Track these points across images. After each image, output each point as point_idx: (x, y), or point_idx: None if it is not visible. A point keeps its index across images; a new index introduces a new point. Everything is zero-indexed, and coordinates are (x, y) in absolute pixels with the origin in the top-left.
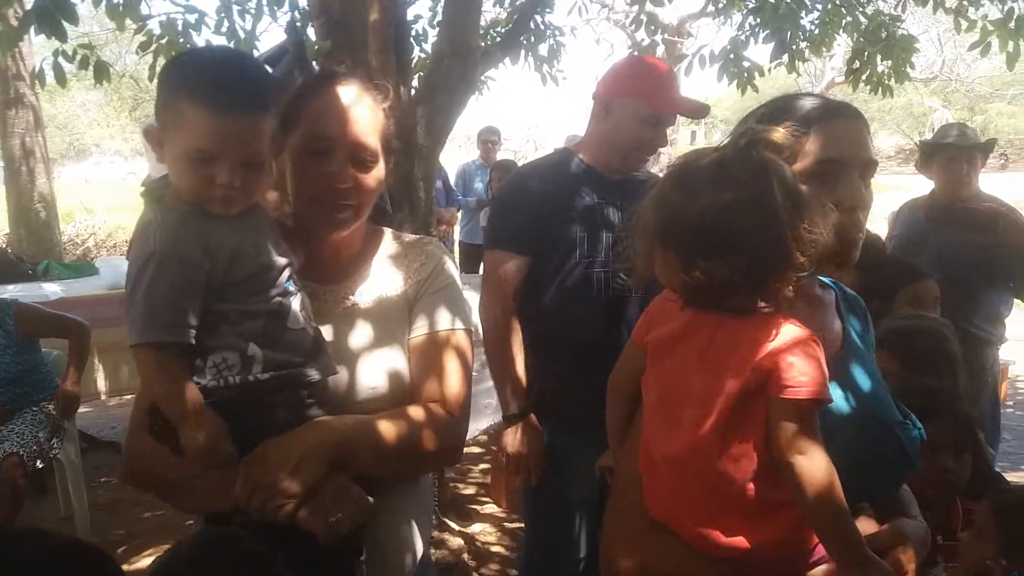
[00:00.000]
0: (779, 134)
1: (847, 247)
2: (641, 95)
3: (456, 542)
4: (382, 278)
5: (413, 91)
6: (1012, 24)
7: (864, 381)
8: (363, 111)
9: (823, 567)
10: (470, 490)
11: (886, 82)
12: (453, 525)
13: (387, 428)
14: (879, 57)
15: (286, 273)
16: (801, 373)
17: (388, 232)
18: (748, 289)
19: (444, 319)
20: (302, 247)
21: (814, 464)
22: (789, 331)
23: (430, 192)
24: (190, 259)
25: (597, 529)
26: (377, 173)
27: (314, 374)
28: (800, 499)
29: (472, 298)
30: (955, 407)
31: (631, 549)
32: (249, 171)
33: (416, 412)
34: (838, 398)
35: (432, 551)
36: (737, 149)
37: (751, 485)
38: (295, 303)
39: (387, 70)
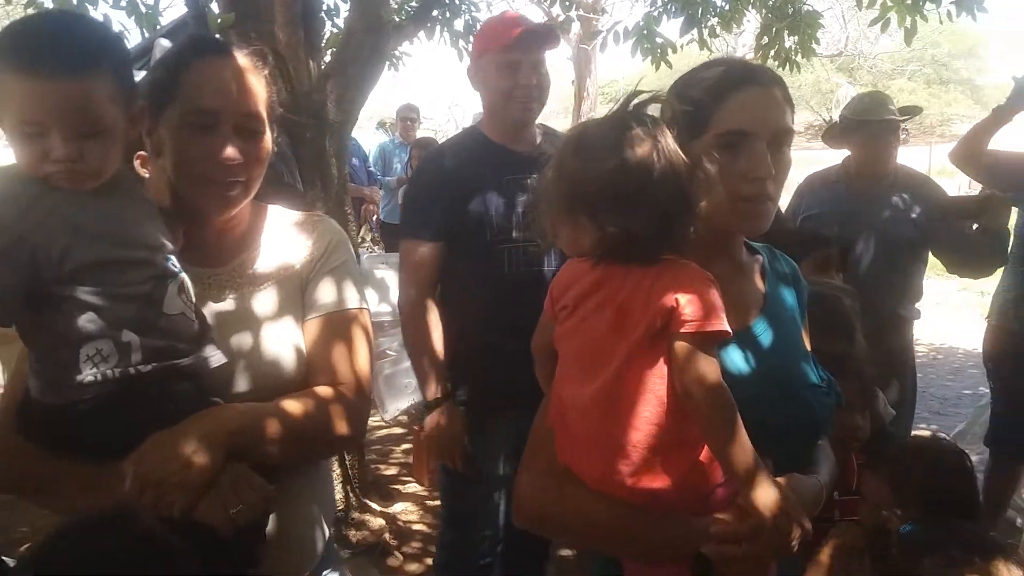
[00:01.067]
0: (665, 100)
1: (751, 216)
2: (489, 47)
3: (377, 522)
4: (272, 257)
5: (324, 65)
6: (909, 0)
7: (779, 345)
8: (245, 79)
9: (727, 508)
10: (392, 470)
11: (793, 58)
12: (374, 506)
13: (287, 412)
14: (786, 33)
15: (163, 255)
16: (699, 309)
17: (275, 209)
18: (656, 238)
19: (341, 298)
20: (184, 228)
21: (713, 392)
22: (688, 273)
23: (343, 168)
24: (9, 234)
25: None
26: (265, 144)
27: (200, 362)
28: (701, 424)
29: (393, 278)
30: (860, 368)
31: (539, 495)
32: (90, 142)
33: (317, 395)
34: (752, 362)
35: (352, 532)
36: (626, 113)
37: (657, 424)
38: (172, 287)
39: (295, 44)
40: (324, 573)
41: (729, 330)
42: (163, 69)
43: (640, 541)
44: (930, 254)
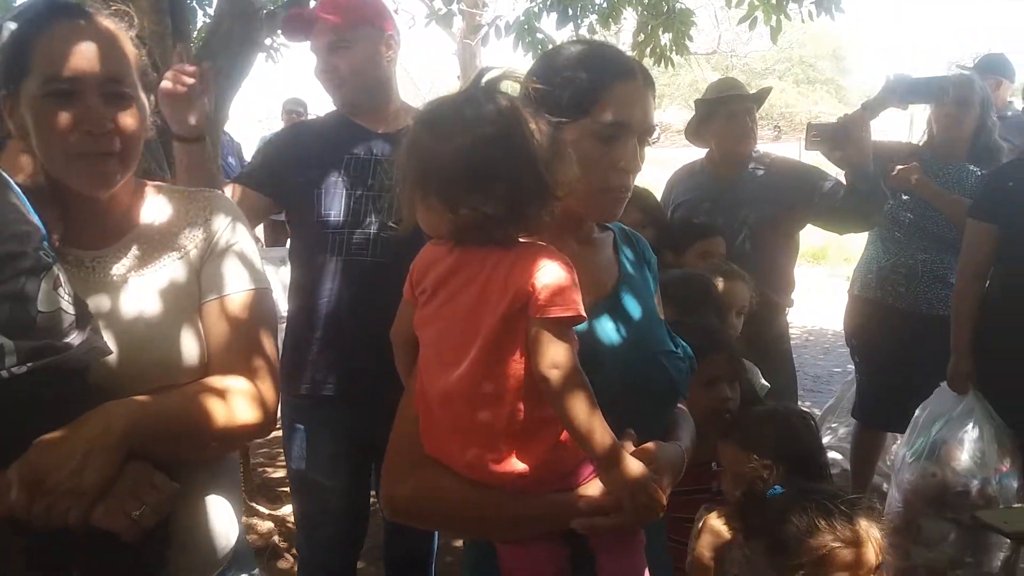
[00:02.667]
0: (521, 78)
1: (611, 205)
2: (307, 39)
3: (266, 526)
4: (160, 238)
5: (193, 54)
6: (774, 0)
7: (635, 312)
8: (106, 40)
9: (592, 483)
10: (280, 473)
11: (669, 55)
12: (262, 509)
13: (186, 403)
14: (661, 30)
15: (33, 244)
16: (555, 294)
17: (161, 186)
18: (510, 220)
19: (240, 278)
20: (59, 213)
21: (568, 376)
22: (545, 256)
23: (217, 158)
24: None
25: (358, 503)
26: (139, 111)
27: (84, 355)
28: (557, 409)
29: (274, 273)
30: (728, 342)
31: (404, 483)
32: None
33: (219, 384)
34: (610, 329)
35: None
36: (480, 89)
37: (518, 407)
38: (46, 282)
39: (162, 32)
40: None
41: (584, 314)
42: (13, 44)
43: (511, 523)
44: (798, 240)
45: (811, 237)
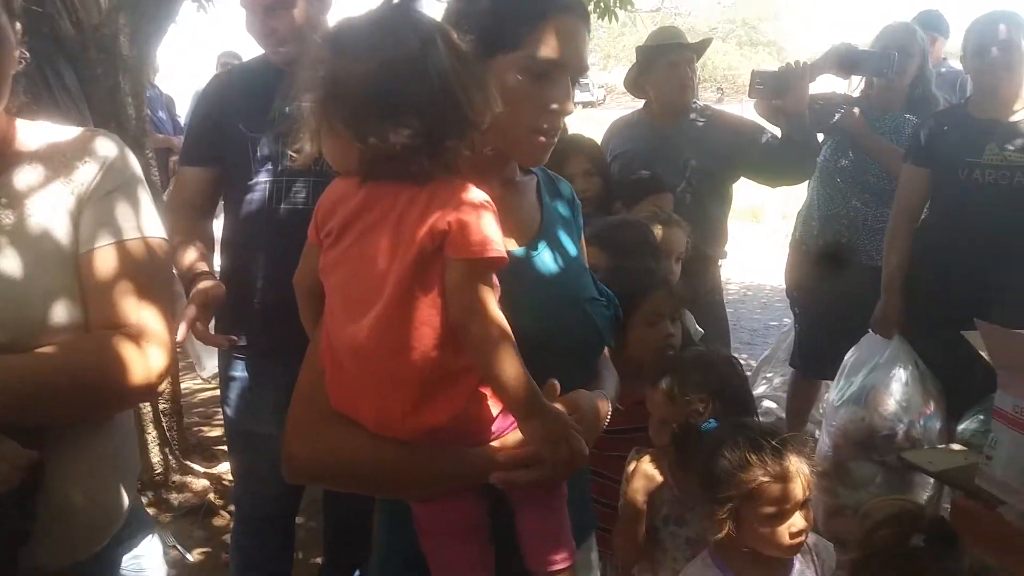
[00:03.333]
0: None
1: (539, 148)
2: None
3: (201, 484)
4: (32, 182)
5: None
6: None
7: (559, 259)
8: None
9: (511, 435)
10: (216, 432)
11: (613, 8)
12: (197, 467)
13: (52, 363)
14: None
15: None
16: (474, 233)
17: (36, 124)
18: (425, 153)
19: (124, 226)
20: None
21: (488, 322)
22: (464, 194)
23: (141, 108)
24: None
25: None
26: (3, 41)
27: None
28: (476, 358)
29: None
30: (668, 281)
31: (307, 440)
32: None
33: (95, 340)
34: (532, 276)
35: (174, 495)
36: (395, 7)
37: (433, 355)
38: None
39: None
40: (133, 542)
41: (506, 256)
42: None
43: (426, 480)
44: (731, 192)
45: (750, 195)
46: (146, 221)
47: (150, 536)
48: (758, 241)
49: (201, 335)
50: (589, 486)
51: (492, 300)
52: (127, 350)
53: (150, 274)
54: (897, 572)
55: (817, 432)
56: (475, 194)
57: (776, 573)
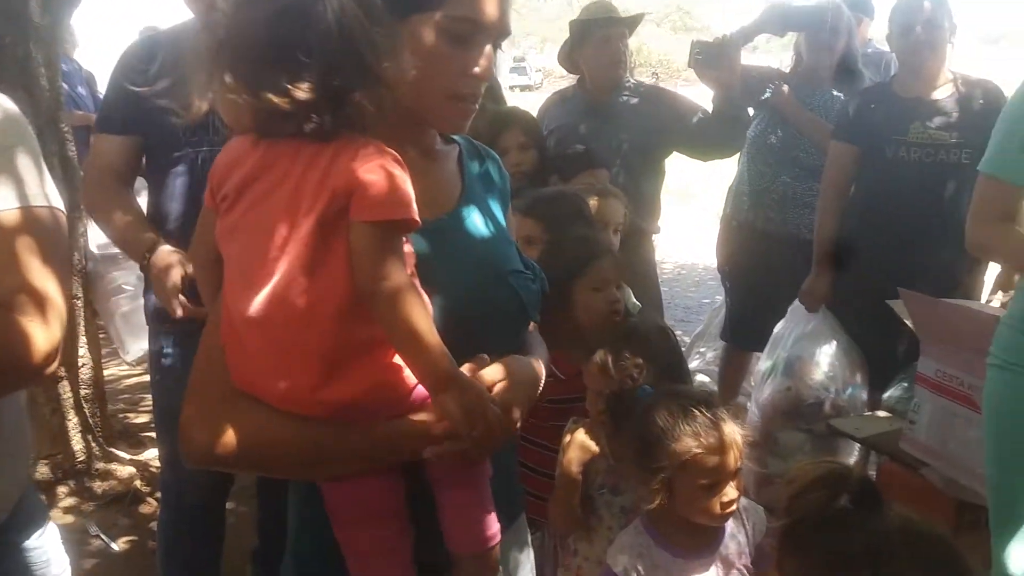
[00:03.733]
0: None
1: (458, 115)
2: None
3: (126, 471)
4: None
5: None
6: None
7: (481, 230)
8: None
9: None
10: (143, 418)
11: None
12: (122, 454)
13: None
14: None
15: None
16: (381, 193)
17: None
18: (325, 108)
19: (3, 195)
20: None
21: (398, 289)
22: (370, 152)
23: (55, 81)
24: None
25: None
26: None
27: None
28: (386, 327)
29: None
30: (609, 247)
31: (207, 422)
32: None
33: None
34: (452, 248)
35: (97, 483)
36: None
37: (339, 326)
38: None
39: None
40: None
41: (418, 219)
42: None
43: (338, 459)
44: (664, 167)
45: (682, 175)
46: (30, 189)
47: (42, 529)
48: (691, 221)
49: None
50: (516, 460)
51: (401, 266)
52: (10, 328)
53: (32, 245)
54: (825, 535)
55: (748, 404)
56: (383, 152)
57: (708, 539)
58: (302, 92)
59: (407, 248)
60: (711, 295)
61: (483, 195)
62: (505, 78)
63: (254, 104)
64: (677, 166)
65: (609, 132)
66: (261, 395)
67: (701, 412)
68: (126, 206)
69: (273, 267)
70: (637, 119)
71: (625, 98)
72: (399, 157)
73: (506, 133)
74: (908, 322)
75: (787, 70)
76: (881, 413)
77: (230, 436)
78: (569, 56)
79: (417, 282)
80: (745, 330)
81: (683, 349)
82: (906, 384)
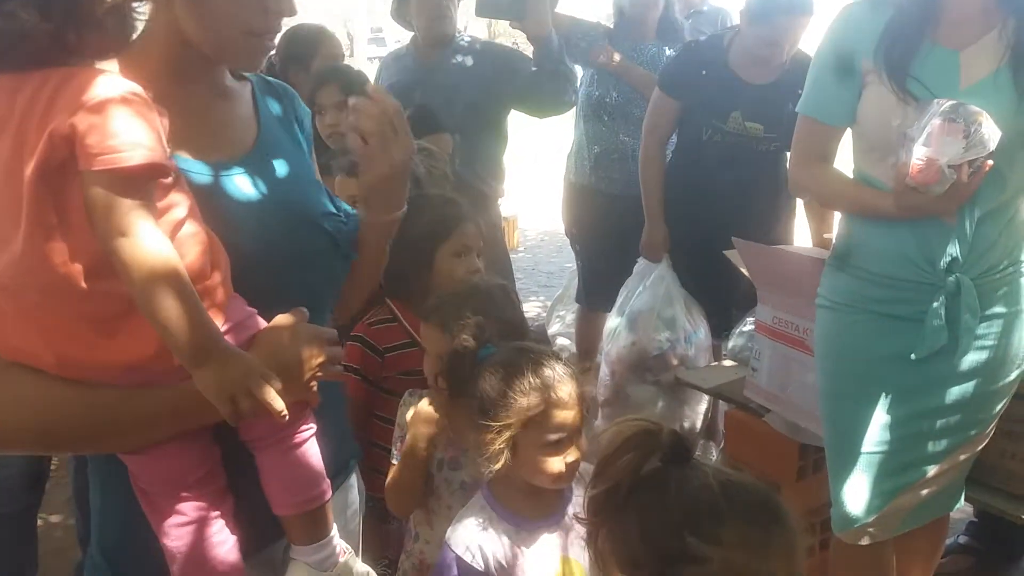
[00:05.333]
0: None
1: (253, 52)
2: None
3: None
4: None
5: None
6: None
7: (280, 171)
8: None
9: None
10: None
11: None
12: None
13: None
14: None
15: None
16: (107, 137)
17: None
18: (46, 32)
19: None
20: None
21: (138, 249)
22: (95, 85)
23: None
24: None
25: None
26: None
27: None
28: (131, 289)
29: None
30: (468, 209)
31: None
32: None
33: None
34: (249, 190)
35: None
36: None
37: (102, 283)
38: None
39: None
40: None
41: (160, 162)
42: None
43: (134, 426)
44: (505, 128)
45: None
46: None
47: None
48: (555, 187)
49: None
50: (345, 416)
51: (143, 221)
52: None
53: None
54: (638, 499)
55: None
56: (110, 85)
57: (553, 505)
58: (8, 9)
59: (176, 196)
60: (572, 260)
61: (282, 135)
62: (363, 49)
63: None
64: (537, 131)
65: (444, 92)
66: (33, 362)
67: (547, 367)
68: None
69: (11, 230)
70: (471, 77)
71: (459, 60)
72: (139, 90)
73: (323, 90)
74: (744, 270)
75: (612, 25)
76: (727, 363)
77: (7, 410)
78: (399, 11)
79: (195, 230)
80: (597, 292)
81: (544, 314)
82: (747, 330)
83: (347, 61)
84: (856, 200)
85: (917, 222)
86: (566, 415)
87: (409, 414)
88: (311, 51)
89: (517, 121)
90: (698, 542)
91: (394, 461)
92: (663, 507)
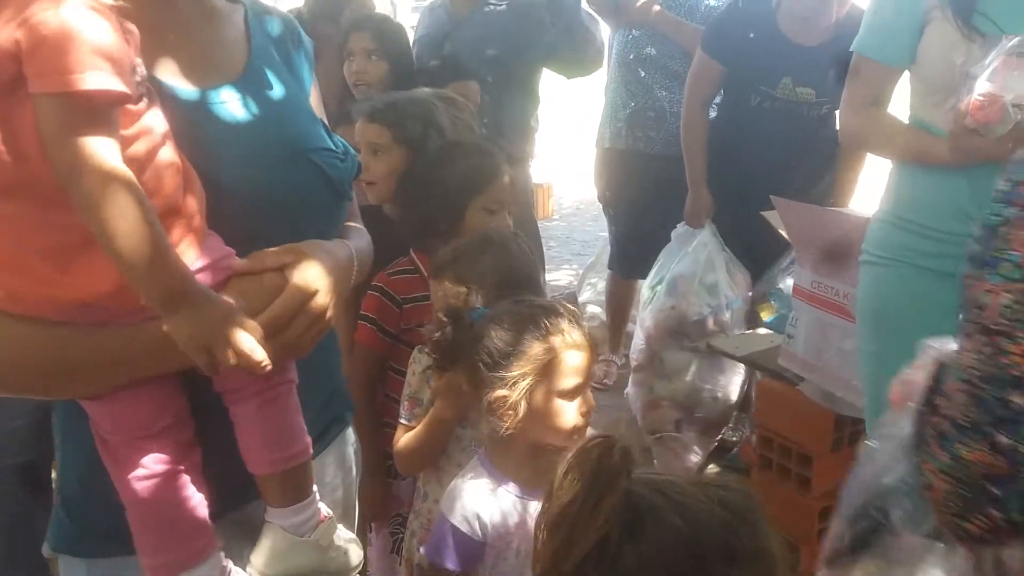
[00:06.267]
0: None
1: None
2: None
3: None
4: None
5: None
6: None
7: (274, 98)
8: None
9: None
10: None
11: None
12: None
13: None
14: None
15: None
16: (57, 56)
17: None
18: None
19: None
20: None
21: (96, 183)
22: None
23: None
24: None
25: None
26: None
27: None
28: (92, 228)
29: None
30: (503, 161)
31: None
32: None
33: None
34: (236, 118)
35: None
36: None
37: (56, 213)
38: None
39: None
40: None
41: (118, 88)
42: None
43: (95, 368)
44: (536, 88)
45: (587, 106)
46: None
47: None
48: (591, 156)
49: None
50: (340, 369)
51: (104, 150)
52: None
53: None
54: (575, 519)
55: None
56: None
57: (548, 476)
58: None
59: (148, 121)
60: (607, 228)
61: (276, 61)
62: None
63: None
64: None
65: (471, 45)
66: None
67: (553, 314)
68: None
69: None
70: (499, 33)
71: (491, 7)
72: (93, 5)
73: (354, 35)
74: (783, 232)
75: None
76: (762, 330)
77: None
78: None
79: (170, 159)
80: (630, 258)
81: (575, 282)
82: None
83: (389, 11)
84: (910, 146)
85: (974, 170)
86: (580, 357)
87: (419, 370)
88: (340, 4)
89: (556, 85)
90: None
91: (402, 421)
92: (595, 521)
